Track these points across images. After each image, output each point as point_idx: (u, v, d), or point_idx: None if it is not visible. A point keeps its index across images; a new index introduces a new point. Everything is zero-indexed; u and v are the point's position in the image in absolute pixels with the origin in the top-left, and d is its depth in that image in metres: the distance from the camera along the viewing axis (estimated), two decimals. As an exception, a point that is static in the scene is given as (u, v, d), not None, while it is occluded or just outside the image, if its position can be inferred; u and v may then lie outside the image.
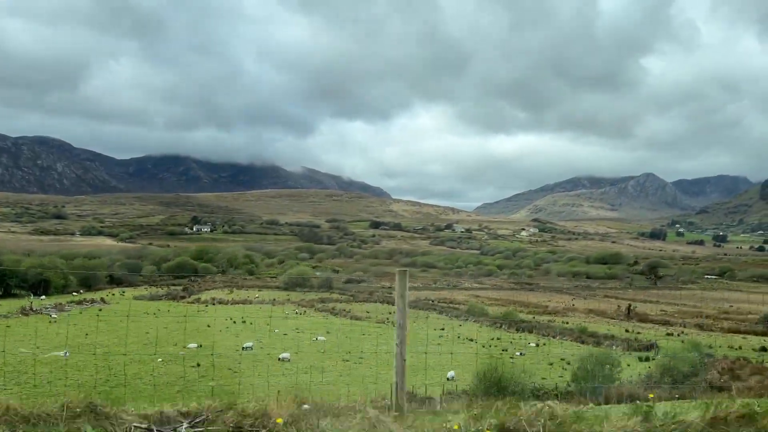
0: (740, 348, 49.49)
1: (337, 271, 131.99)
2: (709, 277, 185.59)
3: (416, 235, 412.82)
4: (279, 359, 41.55)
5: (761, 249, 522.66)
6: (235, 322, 61.13)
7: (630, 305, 71.70)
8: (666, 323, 63.63)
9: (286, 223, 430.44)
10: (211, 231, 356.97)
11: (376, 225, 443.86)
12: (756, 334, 56.48)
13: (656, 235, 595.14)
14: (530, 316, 65.16)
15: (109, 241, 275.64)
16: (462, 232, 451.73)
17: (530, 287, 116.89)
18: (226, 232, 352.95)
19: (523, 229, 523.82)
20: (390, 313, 67.55)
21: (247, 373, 34.84)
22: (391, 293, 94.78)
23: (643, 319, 65.35)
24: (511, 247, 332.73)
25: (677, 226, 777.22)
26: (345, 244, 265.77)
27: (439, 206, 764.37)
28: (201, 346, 45.38)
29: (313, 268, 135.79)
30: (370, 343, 46.92)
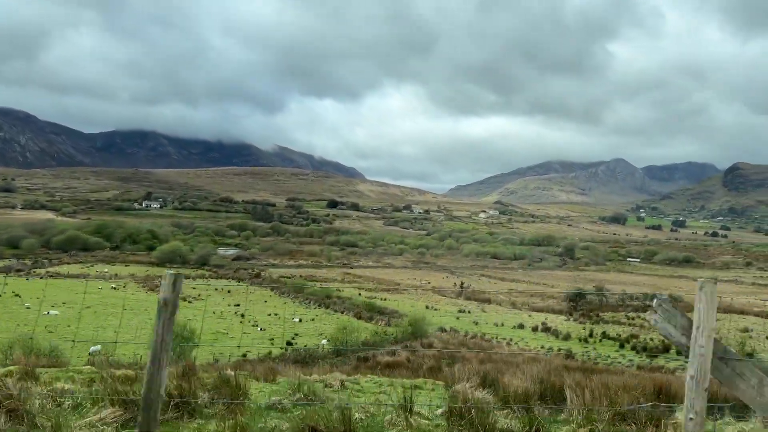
0: (502, 325, 51.09)
1: (247, 248, 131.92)
2: (630, 259, 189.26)
3: (371, 215, 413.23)
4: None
5: (715, 234, 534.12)
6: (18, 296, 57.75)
7: (462, 283, 73.43)
8: (488, 301, 65.27)
9: (243, 201, 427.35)
10: (161, 207, 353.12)
11: (333, 204, 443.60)
12: (554, 312, 58.06)
13: (616, 219, 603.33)
14: (356, 293, 66.11)
15: (49, 215, 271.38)
16: (419, 213, 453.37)
17: (425, 265, 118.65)
18: (176, 209, 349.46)
19: (484, 211, 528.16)
20: (193, 288, 67.39)
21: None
22: (256, 269, 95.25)
23: (470, 296, 66.88)
24: (458, 227, 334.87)
25: (641, 210, 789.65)
26: (289, 222, 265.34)
27: (405, 187, 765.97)
28: None
29: (217, 244, 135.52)
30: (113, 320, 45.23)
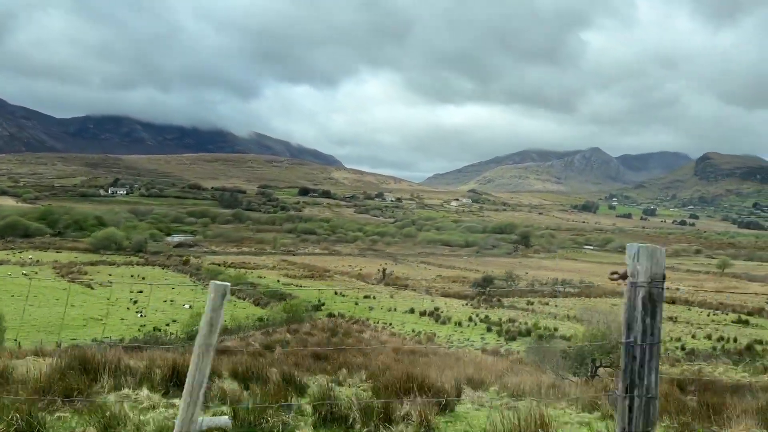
0: (395, 310, 51.94)
1: (195, 234, 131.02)
2: (586, 247, 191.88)
3: (342, 203, 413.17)
4: None
5: (683, 223, 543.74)
6: None
7: (384, 269, 74.13)
8: (405, 287, 66.12)
9: (212, 188, 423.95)
10: (127, 194, 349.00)
11: (305, 192, 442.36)
12: (460, 297, 59.05)
13: (588, 208, 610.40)
14: (274, 280, 66.33)
15: (10, 201, 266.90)
16: (391, 201, 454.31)
17: (373, 253, 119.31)
18: (142, 195, 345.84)
19: (457, 200, 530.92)
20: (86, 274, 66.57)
21: None
22: (193, 256, 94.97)
23: (390, 283, 67.55)
24: (427, 215, 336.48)
25: (614, 199, 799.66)
26: (257, 210, 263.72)
27: (382, 175, 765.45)
28: None
29: (172, 231, 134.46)
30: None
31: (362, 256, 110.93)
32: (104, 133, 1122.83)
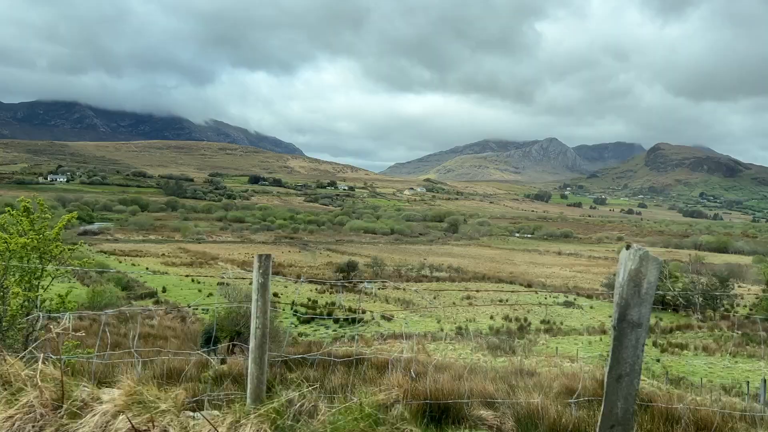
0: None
1: (115, 223, 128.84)
2: (517, 235, 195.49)
3: (292, 191, 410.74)
4: None
5: (630, 212, 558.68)
6: None
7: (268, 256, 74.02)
8: (279, 273, 66.55)
9: (159, 175, 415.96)
10: (68, 181, 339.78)
11: (255, 180, 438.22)
12: (324, 283, 59.92)
13: (541, 197, 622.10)
14: (143, 268, 66.01)
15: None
16: (344, 189, 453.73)
17: (288, 240, 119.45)
18: (83, 183, 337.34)
19: (411, 188, 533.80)
20: None
21: None
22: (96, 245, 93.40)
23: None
24: (377, 204, 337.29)
25: (568, 189, 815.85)
26: (201, 198, 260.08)
27: (339, 164, 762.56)
28: None
29: (87, 220, 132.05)
30: None
31: (273, 244, 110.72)
32: (55, 119, 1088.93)
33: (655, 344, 34.03)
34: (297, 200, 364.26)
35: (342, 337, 34.58)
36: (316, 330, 37.74)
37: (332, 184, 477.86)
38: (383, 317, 41.99)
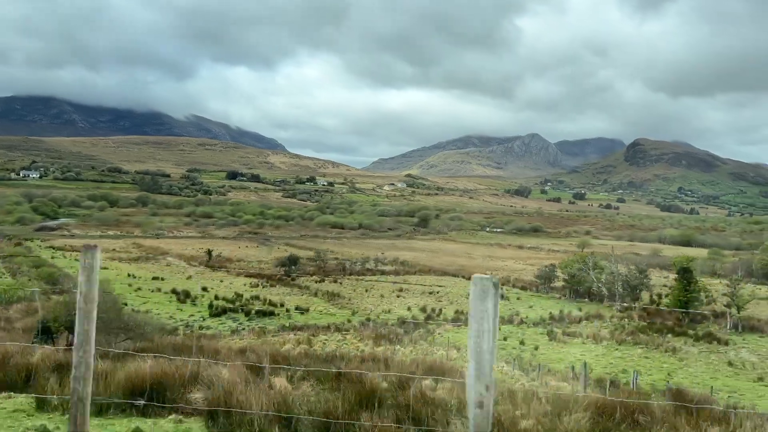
0: (159, 290, 53.25)
1: (77, 217, 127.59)
2: (487, 230, 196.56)
3: (270, 187, 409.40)
4: None
5: (608, 206, 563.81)
6: None
7: (210, 251, 74.27)
8: (223, 267, 66.57)
9: (135, 171, 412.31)
10: (41, 177, 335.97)
11: (233, 176, 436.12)
12: (261, 276, 59.86)
13: (520, 192, 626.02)
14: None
15: None
16: (323, 185, 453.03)
17: (252, 236, 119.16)
18: (57, 179, 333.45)
19: (392, 184, 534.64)
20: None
21: None
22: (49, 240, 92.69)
23: (214, 264, 67.67)
24: (355, 199, 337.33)
25: (548, 184, 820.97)
26: (177, 194, 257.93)
27: (320, 160, 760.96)
28: None
29: (51, 216, 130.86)
30: None
31: (234, 239, 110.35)
32: (32, 114, 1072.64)
33: (549, 333, 34.62)
34: (275, 196, 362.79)
35: (244, 329, 34.68)
36: (222, 323, 37.78)
37: (311, 179, 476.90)
38: (297, 309, 42.15)
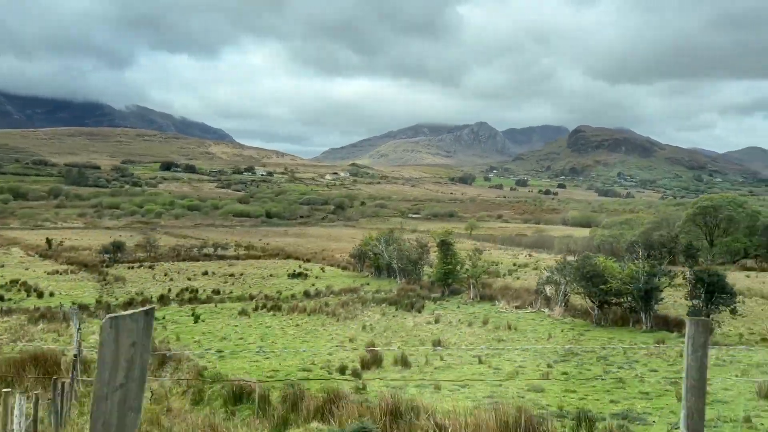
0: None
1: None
2: (412, 216, 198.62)
3: (205, 178, 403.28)
4: None
5: (547, 192, 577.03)
6: None
7: (49, 240, 72.76)
8: (52, 258, 65.03)
9: (64, 164, 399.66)
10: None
11: (167, 167, 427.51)
12: (71, 263, 58.86)
13: (464, 180, 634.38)
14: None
15: None
16: (261, 175, 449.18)
17: (143, 226, 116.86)
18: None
19: (335, 173, 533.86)
20: None
21: None
22: None
23: (48, 253, 66.07)
24: (293, 189, 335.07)
25: (494, 171, 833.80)
26: (104, 186, 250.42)
27: (264, 149, 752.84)
28: None
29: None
30: None
31: (118, 230, 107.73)
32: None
33: (321, 309, 35.09)
34: (208, 186, 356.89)
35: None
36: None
37: (250, 169, 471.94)
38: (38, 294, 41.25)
